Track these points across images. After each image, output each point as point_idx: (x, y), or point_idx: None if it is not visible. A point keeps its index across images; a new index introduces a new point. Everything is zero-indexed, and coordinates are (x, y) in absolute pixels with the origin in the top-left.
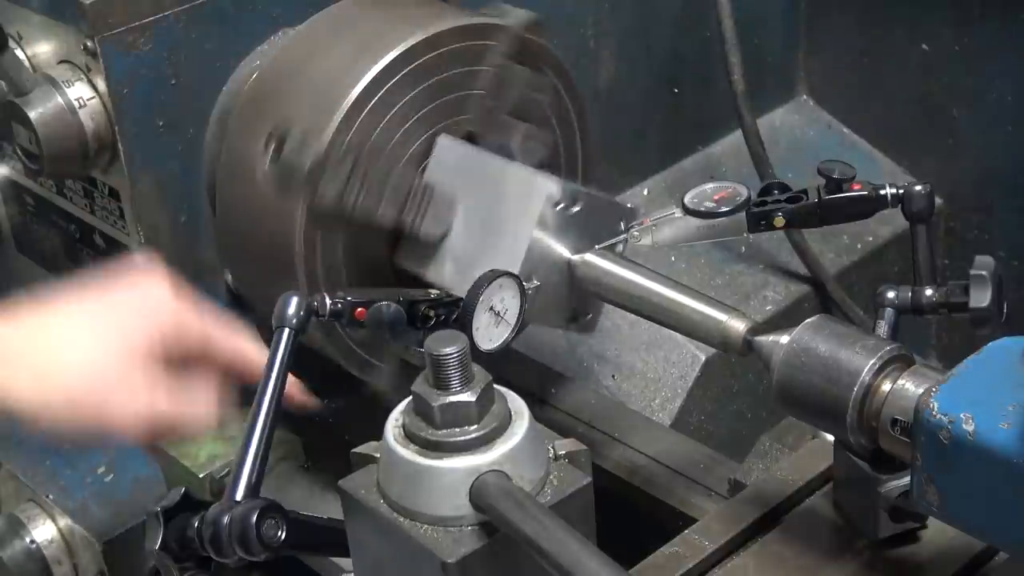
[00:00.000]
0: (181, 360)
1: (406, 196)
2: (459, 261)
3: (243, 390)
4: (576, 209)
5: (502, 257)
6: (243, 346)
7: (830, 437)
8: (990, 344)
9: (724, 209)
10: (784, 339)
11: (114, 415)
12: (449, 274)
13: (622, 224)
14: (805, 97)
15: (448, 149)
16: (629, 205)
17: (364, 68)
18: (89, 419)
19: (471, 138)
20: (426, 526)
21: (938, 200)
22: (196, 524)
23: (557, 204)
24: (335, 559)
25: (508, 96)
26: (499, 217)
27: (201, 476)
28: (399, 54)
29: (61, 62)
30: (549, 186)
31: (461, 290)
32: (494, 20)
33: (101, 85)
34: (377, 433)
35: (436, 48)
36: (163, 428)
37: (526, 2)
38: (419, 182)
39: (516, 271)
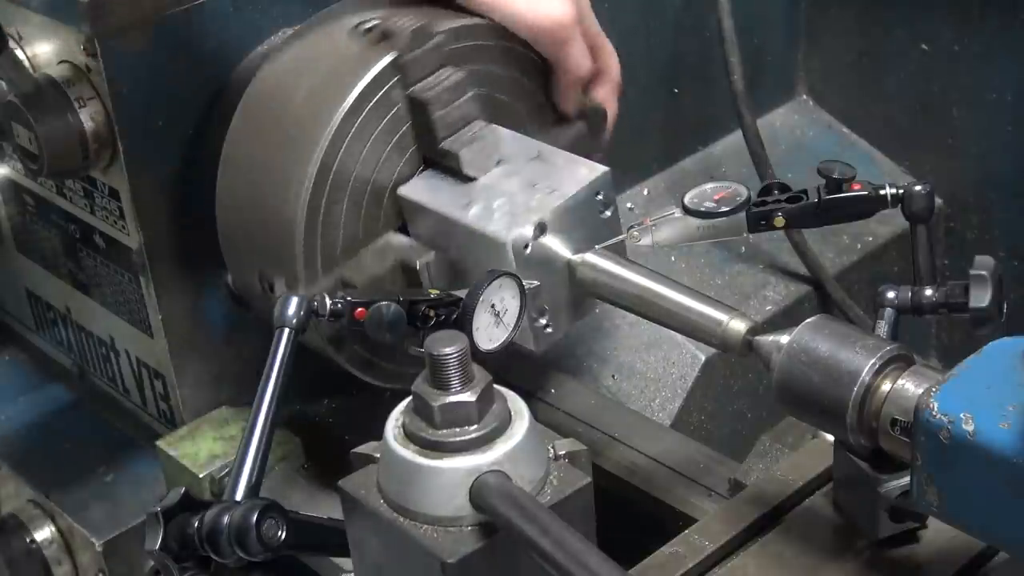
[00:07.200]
0: None
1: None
2: None
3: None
4: (545, 239)
5: None
6: None
7: (830, 437)
8: (990, 344)
9: (724, 209)
10: (784, 339)
11: None
12: None
13: (602, 195)
14: (805, 97)
15: (414, 211)
16: (604, 169)
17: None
18: None
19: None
20: (426, 526)
21: (938, 200)
22: (196, 524)
23: (526, 246)
24: (335, 559)
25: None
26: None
27: (201, 476)
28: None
29: (61, 62)
30: (506, 238)
31: None
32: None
33: (101, 85)
34: (377, 433)
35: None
36: None
37: None
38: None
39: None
